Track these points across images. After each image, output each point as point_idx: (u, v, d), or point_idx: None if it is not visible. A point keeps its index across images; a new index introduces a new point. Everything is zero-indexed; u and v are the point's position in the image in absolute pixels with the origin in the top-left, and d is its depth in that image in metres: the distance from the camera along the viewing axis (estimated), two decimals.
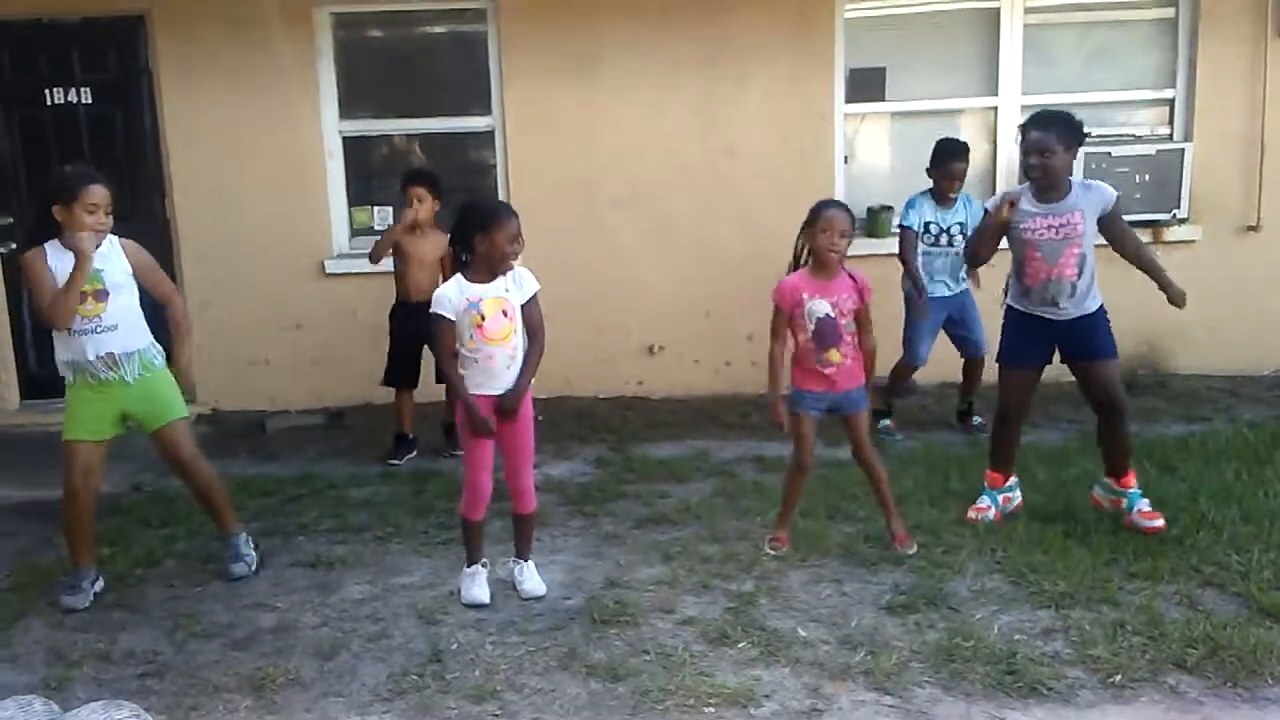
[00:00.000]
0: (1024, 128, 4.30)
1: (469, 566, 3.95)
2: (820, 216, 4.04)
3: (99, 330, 3.95)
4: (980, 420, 5.72)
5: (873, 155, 6.72)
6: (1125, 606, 3.67)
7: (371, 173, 6.70)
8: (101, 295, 3.95)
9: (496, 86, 6.42)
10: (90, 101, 6.45)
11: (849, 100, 6.51)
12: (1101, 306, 4.43)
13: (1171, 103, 6.56)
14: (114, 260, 4.02)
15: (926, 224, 5.59)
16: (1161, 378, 6.46)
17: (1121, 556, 4.04)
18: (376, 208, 6.60)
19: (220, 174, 6.30)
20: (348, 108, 6.49)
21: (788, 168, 6.40)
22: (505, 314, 3.77)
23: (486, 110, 6.47)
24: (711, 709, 3.17)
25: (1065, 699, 3.16)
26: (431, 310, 3.79)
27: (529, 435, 3.92)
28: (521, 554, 4.02)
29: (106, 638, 3.74)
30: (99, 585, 4.10)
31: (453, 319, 3.75)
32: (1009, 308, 4.50)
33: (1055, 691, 3.19)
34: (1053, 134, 4.16)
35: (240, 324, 6.41)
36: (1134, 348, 6.58)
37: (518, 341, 3.81)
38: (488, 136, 6.51)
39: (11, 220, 6.54)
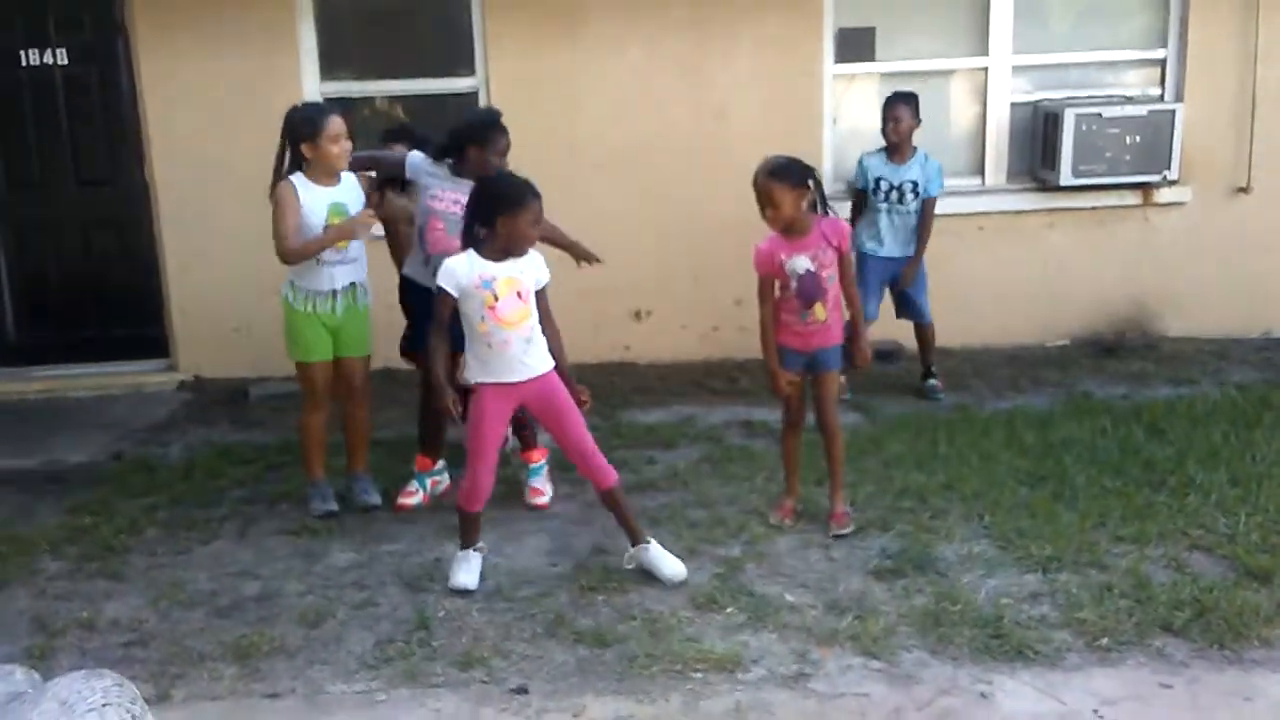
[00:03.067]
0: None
1: (462, 550, 3.80)
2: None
3: (345, 262, 4.25)
4: (934, 383, 5.70)
5: (861, 116, 6.65)
6: (1112, 570, 3.68)
7: (353, 135, 6.58)
8: None
9: (480, 47, 6.31)
10: (66, 63, 6.32)
11: (838, 60, 6.42)
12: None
13: (1163, 63, 6.50)
14: (356, 195, 4.28)
15: (877, 180, 5.55)
16: (1151, 340, 6.45)
17: (1109, 520, 4.05)
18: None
19: (199, 137, 6.18)
20: (329, 69, 6.37)
21: (776, 129, 6.31)
22: (520, 295, 3.63)
23: (470, 71, 6.37)
24: (699, 674, 3.18)
25: (1052, 662, 3.18)
26: (437, 282, 3.63)
27: (573, 413, 3.75)
28: (635, 538, 3.76)
29: (90, 607, 3.72)
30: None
31: (455, 295, 3.59)
32: None
33: (1042, 654, 3.21)
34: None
35: (221, 290, 6.31)
36: (1123, 310, 6.58)
37: (532, 323, 3.67)
38: (471, 98, 6.40)
39: None
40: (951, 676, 3.13)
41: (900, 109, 5.52)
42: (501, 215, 3.58)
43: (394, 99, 6.55)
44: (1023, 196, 6.51)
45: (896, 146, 5.53)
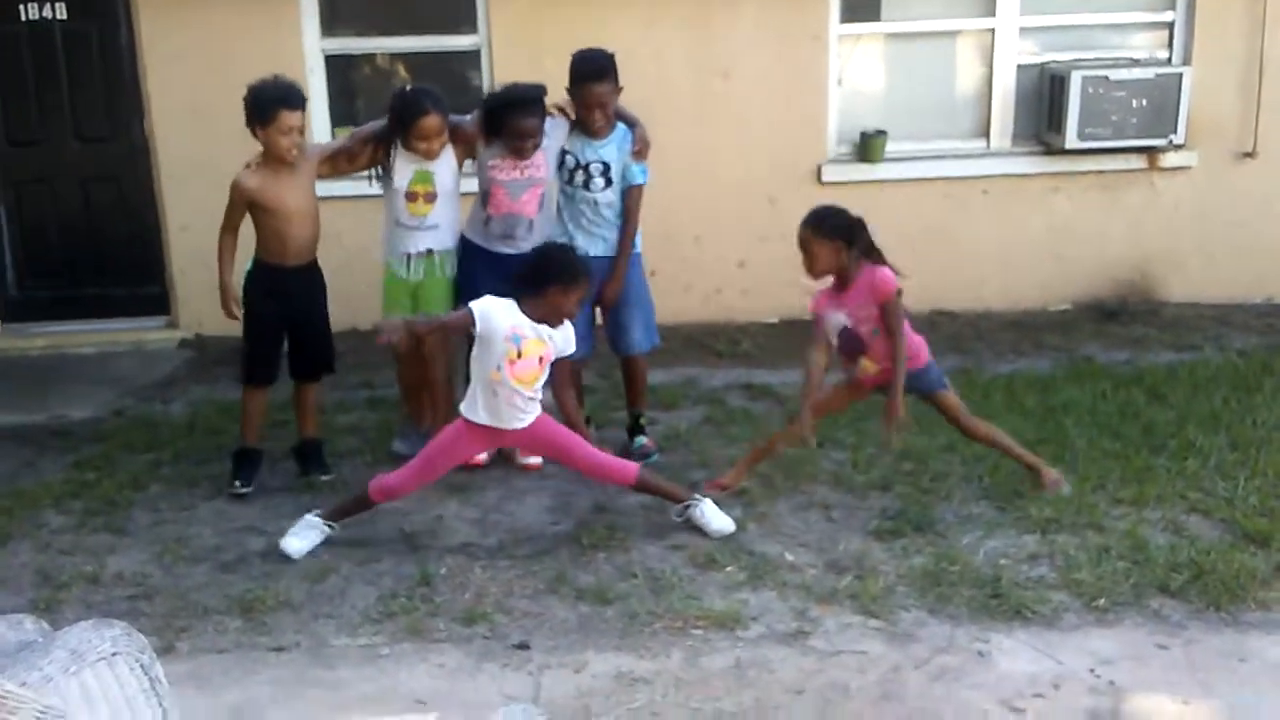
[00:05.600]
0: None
1: (320, 517, 3.76)
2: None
3: (422, 228, 4.31)
4: (644, 441, 4.54)
5: (867, 78, 6.60)
6: (1110, 532, 3.70)
7: (354, 92, 6.55)
8: (431, 197, 4.29)
9: (482, 4, 6.24)
10: (65, 18, 6.26)
11: (844, 20, 6.36)
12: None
13: (1171, 25, 6.43)
14: (446, 165, 4.31)
15: (562, 154, 4.30)
16: (1153, 305, 6.44)
17: (1108, 483, 4.06)
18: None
19: (198, 93, 6.13)
20: (330, 25, 6.31)
21: (781, 90, 6.28)
22: (540, 360, 3.67)
23: (473, 29, 6.31)
24: (699, 631, 3.21)
25: (1049, 622, 3.21)
26: (469, 304, 3.63)
27: (571, 441, 3.78)
28: (681, 501, 3.82)
29: (95, 561, 3.75)
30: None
31: (477, 325, 3.57)
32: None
33: (1039, 615, 3.23)
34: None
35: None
36: (1127, 275, 6.56)
37: (540, 385, 3.71)
38: (473, 56, 6.35)
39: None
40: (949, 635, 3.16)
41: (600, 90, 4.19)
42: (554, 286, 3.62)
43: (395, 56, 6.50)
44: (1028, 160, 6.48)
45: (593, 126, 4.26)
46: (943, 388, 4.01)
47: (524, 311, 3.63)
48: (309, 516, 3.79)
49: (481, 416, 3.69)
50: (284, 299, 4.28)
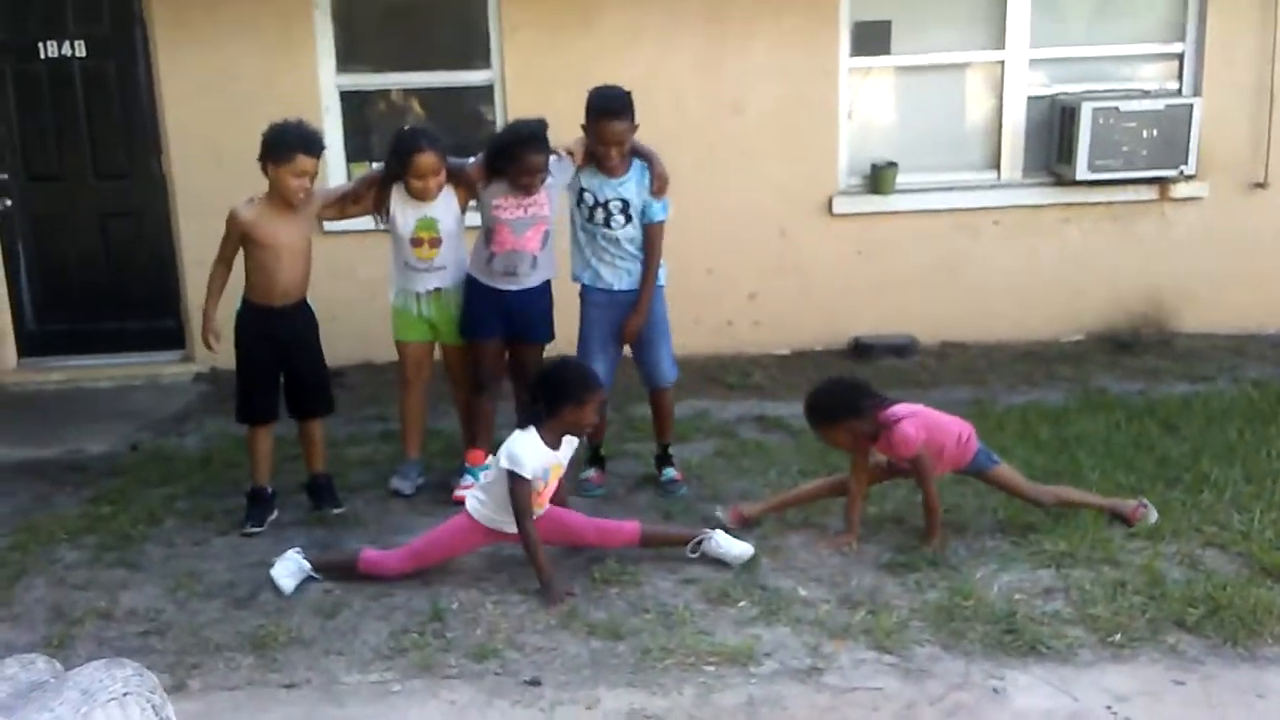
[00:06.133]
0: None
1: (312, 566, 3.77)
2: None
3: (430, 270, 4.42)
4: (672, 474, 4.57)
5: (877, 110, 6.63)
6: (1126, 566, 3.67)
7: (369, 128, 6.62)
8: (436, 242, 4.37)
9: (496, 39, 6.31)
10: (84, 55, 6.36)
11: (854, 54, 6.40)
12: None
13: (1181, 57, 6.46)
14: (448, 208, 4.37)
15: (580, 192, 4.37)
16: (1165, 336, 6.42)
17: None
18: (375, 164, 6.50)
19: (216, 129, 6.21)
20: (345, 61, 6.39)
21: (792, 123, 6.32)
22: (558, 480, 3.76)
23: (486, 64, 6.38)
24: (712, 667, 3.19)
25: (1064, 658, 3.18)
26: (508, 468, 3.62)
27: (570, 519, 3.87)
28: (684, 541, 3.85)
29: (108, 596, 3.75)
30: (422, 480, 4.62)
31: (530, 480, 3.62)
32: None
33: (1054, 650, 3.20)
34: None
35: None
36: (1139, 306, 6.55)
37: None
38: (487, 91, 6.41)
39: (6, 177, 6.47)
40: (964, 672, 3.13)
41: (617, 127, 4.22)
42: (570, 405, 3.67)
43: (410, 92, 6.57)
44: (1039, 191, 6.49)
45: (608, 162, 4.30)
46: (994, 464, 4.00)
47: (543, 438, 3.67)
48: (296, 557, 3.78)
49: (492, 522, 3.74)
50: (274, 339, 4.31)
